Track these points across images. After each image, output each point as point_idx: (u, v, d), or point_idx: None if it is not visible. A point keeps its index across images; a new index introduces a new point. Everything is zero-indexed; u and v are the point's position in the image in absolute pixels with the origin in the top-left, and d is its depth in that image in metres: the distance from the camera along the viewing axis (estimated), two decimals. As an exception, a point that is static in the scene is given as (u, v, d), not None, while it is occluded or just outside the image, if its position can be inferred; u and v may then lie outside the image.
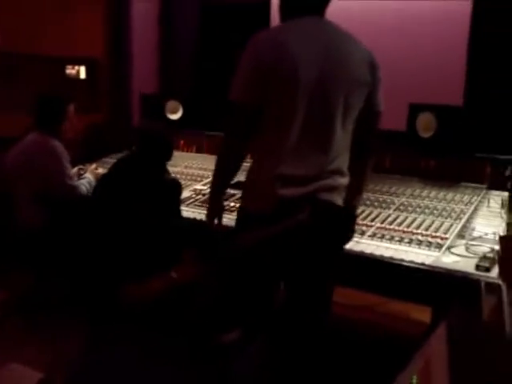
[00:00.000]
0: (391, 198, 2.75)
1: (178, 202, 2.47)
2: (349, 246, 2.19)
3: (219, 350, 1.65)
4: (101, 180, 2.49)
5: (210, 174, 3.37)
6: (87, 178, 3.06)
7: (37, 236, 2.73)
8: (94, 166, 3.28)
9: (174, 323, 2.00)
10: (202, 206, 2.82)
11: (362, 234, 2.33)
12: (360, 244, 2.23)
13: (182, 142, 4.06)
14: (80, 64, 4.69)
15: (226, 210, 2.73)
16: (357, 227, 2.39)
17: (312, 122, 1.76)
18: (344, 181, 1.87)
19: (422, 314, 3.17)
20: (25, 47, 4.18)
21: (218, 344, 1.65)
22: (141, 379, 2.05)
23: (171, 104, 4.08)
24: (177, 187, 2.47)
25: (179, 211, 2.49)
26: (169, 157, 2.55)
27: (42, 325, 2.92)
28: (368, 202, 2.67)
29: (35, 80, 4.37)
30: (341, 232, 1.93)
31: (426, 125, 3.07)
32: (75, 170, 3.12)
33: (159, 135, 2.54)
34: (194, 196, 2.99)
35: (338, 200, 1.85)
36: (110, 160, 3.74)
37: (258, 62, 1.73)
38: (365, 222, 2.45)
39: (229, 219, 2.28)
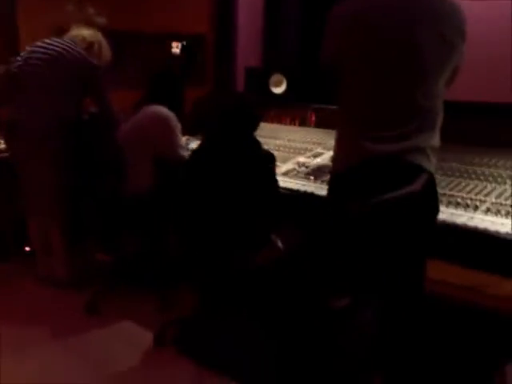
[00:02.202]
0: (506, 172, 2.57)
1: (274, 173, 2.46)
2: (462, 220, 2.10)
3: (330, 315, 1.65)
4: (193, 155, 2.53)
5: (314, 146, 3.39)
6: None
7: (146, 201, 2.87)
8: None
9: (281, 290, 2.03)
10: (306, 178, 2.82)
11: (476, 208, 2.21)
12: (473, 219, 2.11)
13: (285, 115, 4.07)
14: (185, 40, 4.83)
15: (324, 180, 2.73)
16: (470, 202, 2.29)
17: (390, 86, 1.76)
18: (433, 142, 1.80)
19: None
20: (132, 25, 4.35)
21: (329, 309, 1.65)
22: (246, 345, 2.12)
23: (275, 77, 4.08)
24: (272, 159, 2.44)
25: (277, 181, 2.50)
26: (253, 126, 2.48)
27: (156, 287, 3.10)
28: (482, 177, 2.52)
29: (142, 57, 4.57)
30: (434, 201, 1.85)
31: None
32: (183, 140, 3.23)
33: (236, 105, 2.48)
34: (297, 168, 2.99)
35: (426, 163, 1.77)
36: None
37: (334, 29, 1.86)
38: (478, 197, 2.32)
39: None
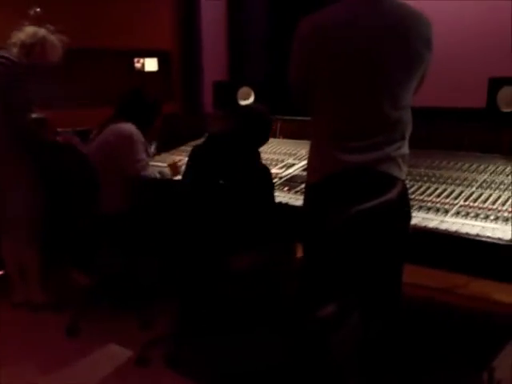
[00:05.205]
0: (472, 175, 2.68)
1: (272, 188, 2.56)
2: (433, 224, 2.18)
3: (315, 323, 1.70)
4: (195, 157, 2.58)
5: (285, 157, 3.44)
6: (164, 171, 3.20)
7: (122, 218, 2.88)
8: (175, 159, 3.43)
9: (265, 298, 2.07)
10: (279, 189, 2.87)
11: (446, 212, 2.29)
12: (444, 223, 2.20)
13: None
14: (152, 56, 4.85)
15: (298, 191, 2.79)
16: (440, 206, 2.37)
17: (360, 99, 1.81)
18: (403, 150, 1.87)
19: (505, 296, 3.11)
20: (95, 43, 4.34)
21: (315, 317, 1.70)
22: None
23: (243, 90, 4.15)
24: (269, 175, 2.56)
25: (273, 196, 2.59)
26: (266, 138, 2.65)
27: (134, 305, 3.10)
28: (449, 181, 2.62)
29: (108, 74, 4.55)
30: (407, 209, 1.93)
31: (508, 99, 2.96)
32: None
33: (260, 115, 2.62)
34: (270, 180, 3.04)
35: (397, 172, 1.83)
36: (187, 148, 3.86)
37: (302, 48, 1.88)
38: (447, 200, 2.41)
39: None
